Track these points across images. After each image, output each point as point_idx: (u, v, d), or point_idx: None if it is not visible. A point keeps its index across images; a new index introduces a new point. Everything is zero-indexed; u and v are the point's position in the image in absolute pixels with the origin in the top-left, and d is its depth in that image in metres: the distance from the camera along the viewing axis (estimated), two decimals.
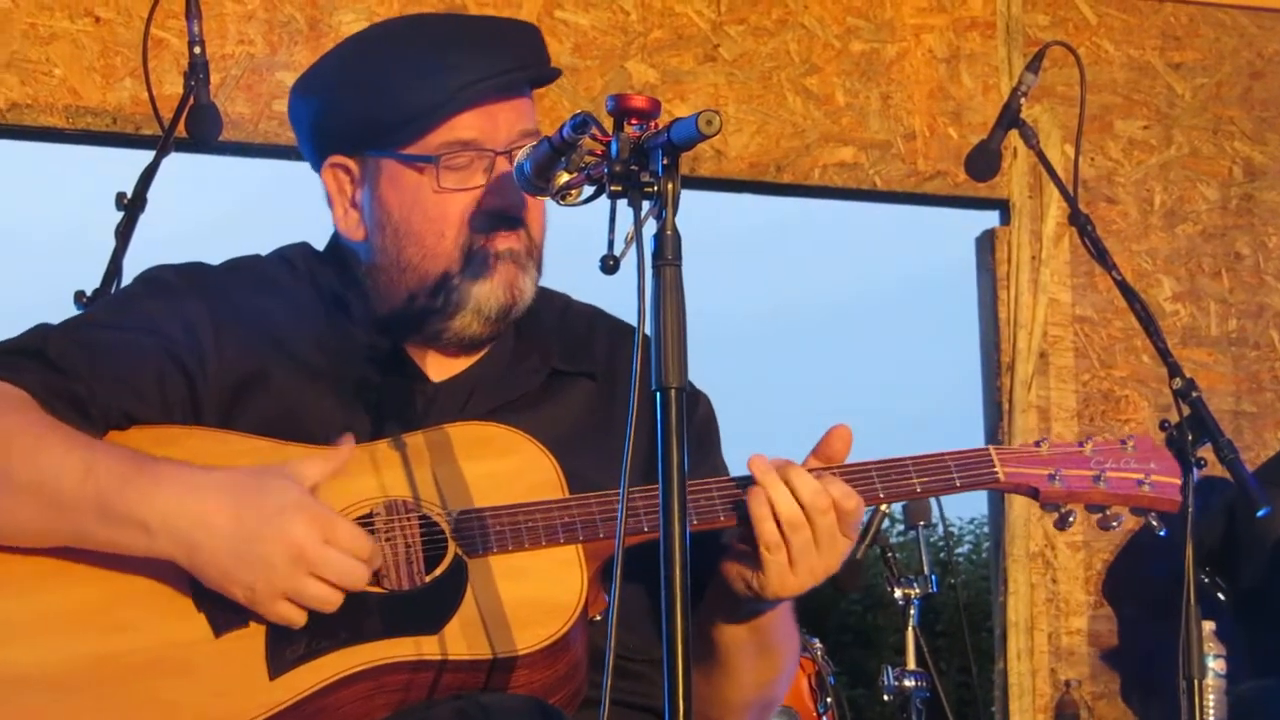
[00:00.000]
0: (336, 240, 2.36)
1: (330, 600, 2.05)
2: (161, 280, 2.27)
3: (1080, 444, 2.29)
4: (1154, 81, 5.00)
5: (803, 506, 2.13)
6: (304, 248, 2.37)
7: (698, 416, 2.42)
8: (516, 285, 2.22)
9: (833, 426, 2.22)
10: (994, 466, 2.21)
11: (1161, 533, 2.50)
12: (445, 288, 2.26)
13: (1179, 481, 2.31)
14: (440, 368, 2.31)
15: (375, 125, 2.17)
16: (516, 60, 2.13)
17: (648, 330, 1.87)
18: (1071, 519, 2.28)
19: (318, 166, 2.32)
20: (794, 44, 4.71)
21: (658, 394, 1.83)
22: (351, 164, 2.25)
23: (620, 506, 1.89)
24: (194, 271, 2.30)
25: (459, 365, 2.31)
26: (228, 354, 2.24)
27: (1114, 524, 2.27)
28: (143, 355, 2.21)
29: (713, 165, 4.52)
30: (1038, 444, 2.28)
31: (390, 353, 2.30)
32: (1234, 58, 5.06)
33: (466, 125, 2.14)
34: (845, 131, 4.75)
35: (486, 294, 2.23)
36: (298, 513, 2.05)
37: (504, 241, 2.21)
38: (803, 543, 2.13)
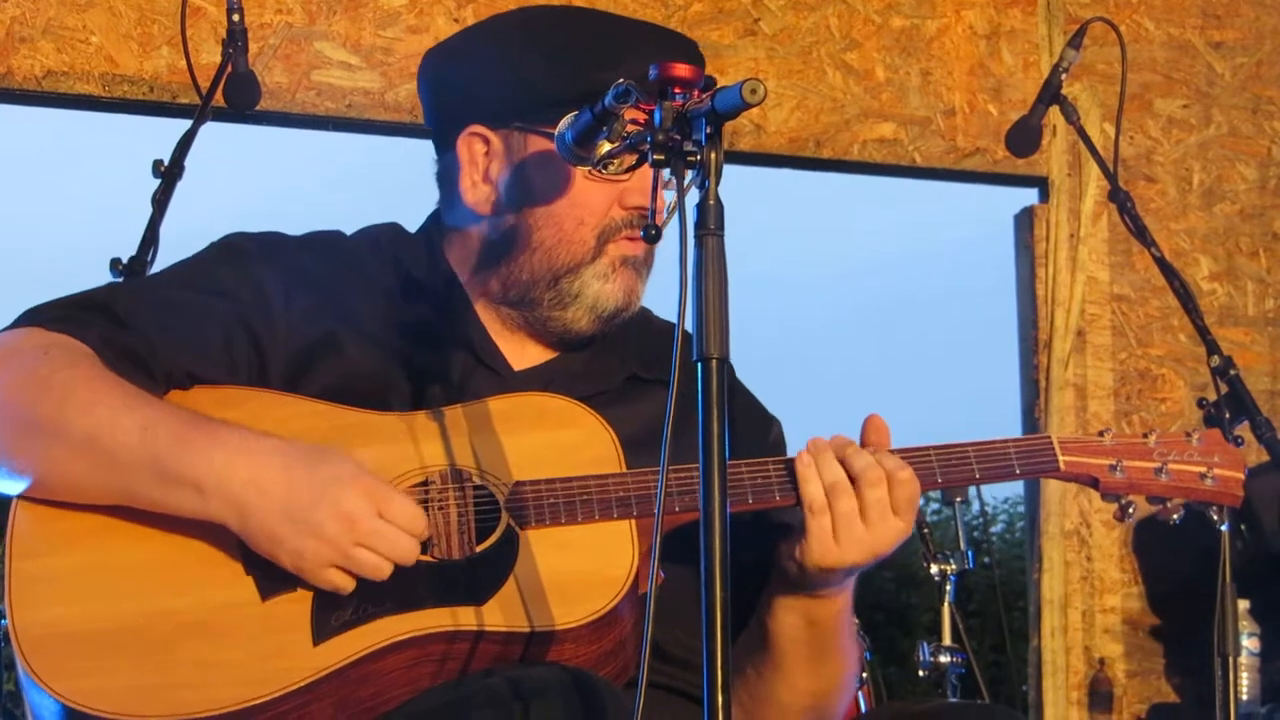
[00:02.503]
0: (438, 220, 2.37)
1: (380, 570, 2.06)
2: (237, 246, 2.28)
3: (1144, 435, 2.29)
4: (1194, 60, 5.00)
5: (853, 477, 2.13)
6: (392, 228, 2.38)
7: (769, 439, 2.43)
8: (634, 291, 2.23)
9: (867, 417, 2.23)
10: (1055, 455, 2.22)
11: (1223, 526, 2.59)
12: (569, 277, 2.26)
13: (1242, 476, 2.30)
14: (523, 356, 2.32)
15: (539, 99, 2.17)
16: (702, 80, 2.11)
17: (689, 300, 1.86)
18: (1132, 510, 2.27)
19: (452, 136, 2.30)
20: (834, 19, 4.72)
21: (699, 364, 1.82)
22: (494, 136, 2.25)
23: (660, 479, 1.90)
24: (270, 240, 2.31)
25: (542, 357, 2.33)
26: (297, 321, 2.24)
27: (1174, 517, 2.28)
28: (212, 317, 2.22)
29: (752, 140, 4.52)
30: (1101, 434, 2.29)
31: (474, 336, 2.31)
32: (1275, 37, 5.06)
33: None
34: (885, 107, 4.76)
35: (606, 294, 2.24)
36: (353, 483, 2.06)
37: (633, 246, 2.22)
38: (848, 510, 2.13)
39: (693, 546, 1.89)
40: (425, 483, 2.13)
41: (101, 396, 2.09)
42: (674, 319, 1.84)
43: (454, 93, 2.31)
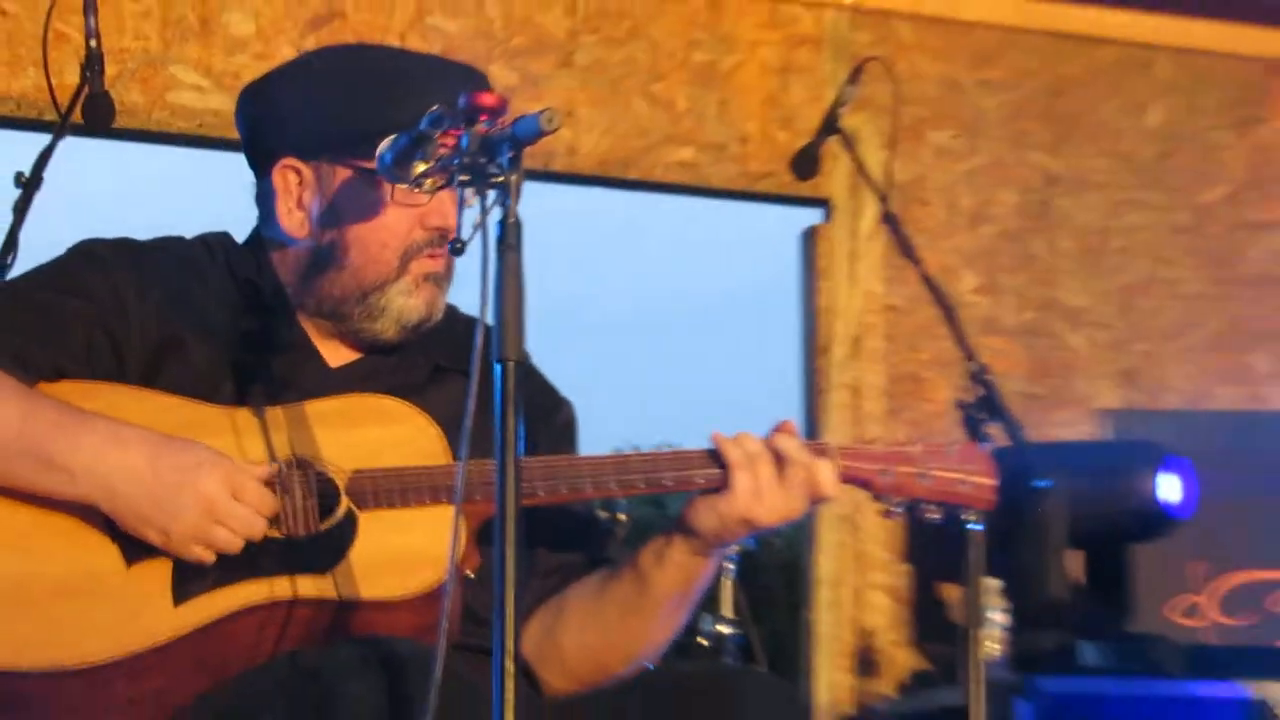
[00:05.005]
0: (260, 234, 2.43)
1: (233, 544, 2.15)
2: (93, 252, 2.33)
3: (911, 444, 2.38)
4: (963, 96, 5.16)
5: (776, 453, 2.24)
6: (225, 237, 2.44)
7: (559, 420, 2.53)
8: (435, 304, 2.33)
9: (780, 423, 2.32)
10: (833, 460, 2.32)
11: (974, 525, 2.63)
12: (376, 294, 2.34)
13: (993, 483, 2.38)
14: (338, 356, 2.40)
15: (344, 134, 2.24)
16: (505, 109, 2.12)
17: (490, 308, 1.91)
18: (898, 510, 2.38)
19: (266, 166, 2.38)
20: (641, 54, 4.82)
21: (497, 365, 1.88)
22: (305, 168, 2.32)
23: (460, 470, 1.97)
24: (123, 246, 2.36)
25: (354, 356, 2.41)
26: (150, 321, 2.30)
27: (935, 516, 2.38)
28: (75, 318, 2.27)
29: (565, 161, 4.62)
30: (872, 442, 2.38)
31: (295, 339, 2.38)
32: (1035, 77, 5.24)
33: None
34: (685, 133, 4.86)
35: (410, 308, 2.33)
36: (212, 469, 2.15)
37: (434, 263, 2.29)
38: (769, 475, 2.24)
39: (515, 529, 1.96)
40: (274, 469, 2.20)
41: None
42: (476, 314, 1.91)
43: (268, 127, 2.38)
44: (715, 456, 2.24)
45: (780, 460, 2.25)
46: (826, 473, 2.26)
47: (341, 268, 2.33)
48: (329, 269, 2.35)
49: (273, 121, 2.36)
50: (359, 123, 2.20)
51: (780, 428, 2.29)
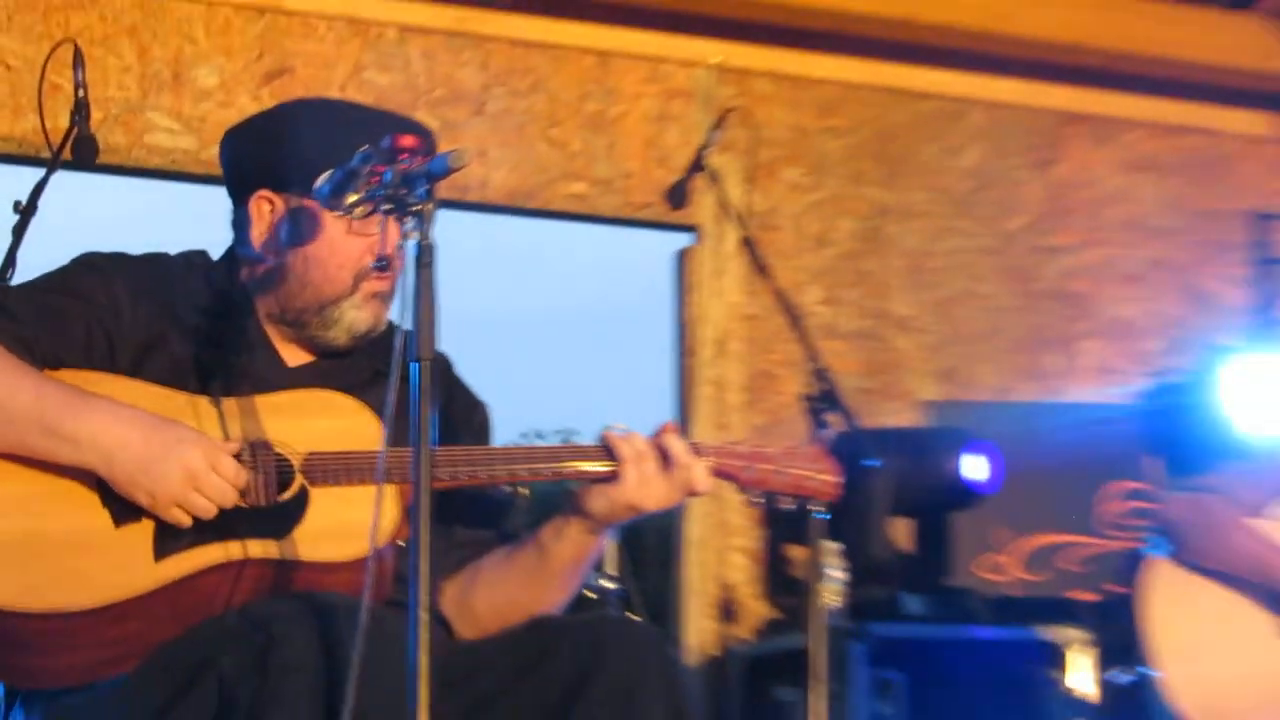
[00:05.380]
0: (234, 252, 2.42)
1: (209, 510, 2.16)
2: (93, 263, 2.34)
3: (769, 447, 2.38)
4: (810, 140, 5.33)
5: (662, 451, 2.27)
6: (203, 254, 2.45)
7: (477, 419, 2.52)
8: (380, 317, 2.34)
9: (663, 424, 2.34)
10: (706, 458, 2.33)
11: (820, 514, 2.73)
12: (331, 307, 2.36)
13: (836, 479, 2.39)
14: (296, 357, 2.42)
15: (311, 172, 2.18)
16: (423, 149, 2.09)
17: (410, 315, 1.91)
18: (759, 499, 2.39)
19: (244, 196, 2.38)
20: (542, 104, 4.99)
21: (414, 365, 1.89)
22: (277, 199, 2.34)
23: (380, 457, 2.00)
24: (119, 258, 2.37)
25: (309, 358, 2.43)
26: (139, 323, 2.31)
27: (788, 505, 2.41)
28: (76, 317, 2.28)
29: (479, 194, 4.78)
30: (738, 443, 2.39)
31: (260, 341, 2.40)
32: (870, 125, 5.42)
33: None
34: (578, 170, 4.99)
35: (360, 320, 2.36)
36: (194, 444, 2.17)
37: (381, 283, 2.30)
38: (652, 468, 2.26)
39: (437, 505, 2.00)
40: (241, 450, 2.21)
41: (3, 371, 2.18)
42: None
43: (247, 163, 2.39)
44: (609, 451, 2.25)
45: (664, 457, 2.26)
46: (702, 470, 2.27)
47: (304, 284, 2.35)
48: (292, 284, 2.35)
49: (251, 159, 2.38)
50: (319, 162, 2.18)
51: (665, 429, 2.30)
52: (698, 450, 2.28)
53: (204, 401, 2.26)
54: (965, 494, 4.72)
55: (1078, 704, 4.49)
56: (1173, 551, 3.71)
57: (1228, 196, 5.87)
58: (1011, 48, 5.42)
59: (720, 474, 2.33)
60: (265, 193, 2.36)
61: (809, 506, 2.43)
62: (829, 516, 2.99)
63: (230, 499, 2.16)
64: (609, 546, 3.93)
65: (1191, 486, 3.78)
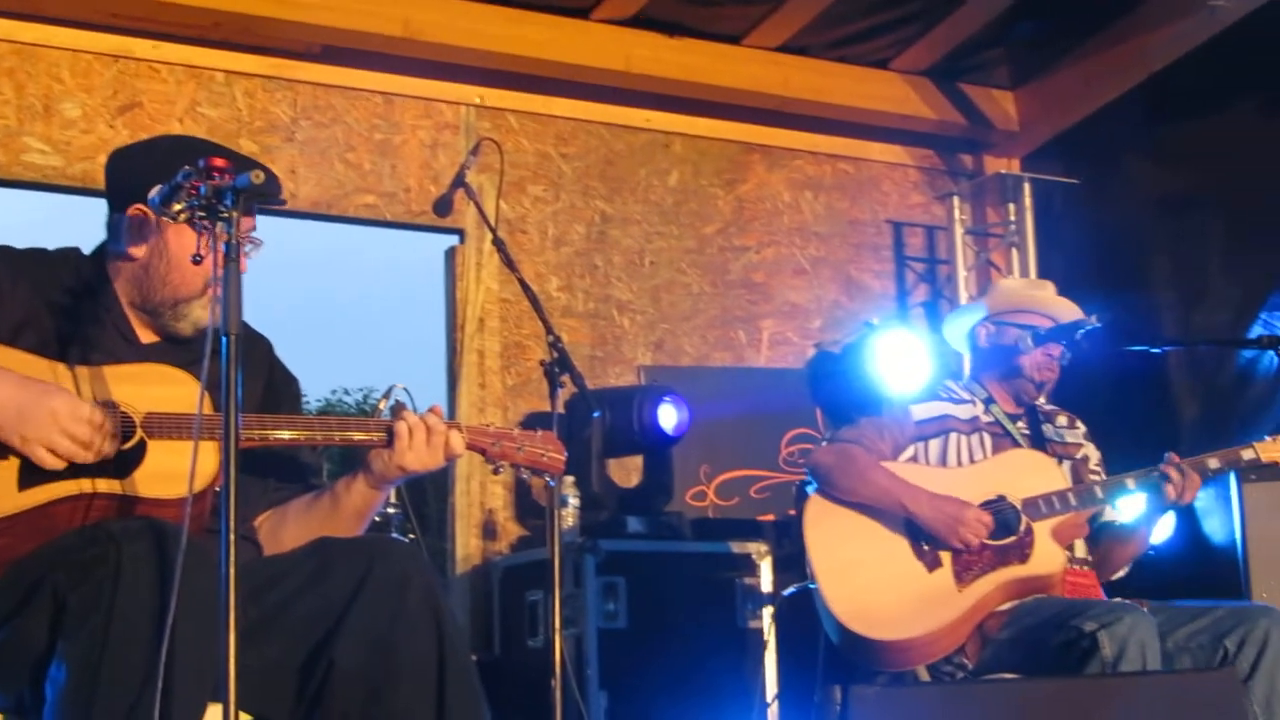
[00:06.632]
0: (104, 249, 2.55)
1: (72, 452, 2.28)
2: None
3: (513, 429, 2.58)
4: (550, 163, 5.79)
5: (427, 427, 2.48)
6: (76, 250, 2.60)
7: (290, 392, 2.69)
8: (219, 314, 2.22)
9: (432, 406, 2.54)
10: (462, 433, 2.53)
11: (551, 482, 2.88)
12: (184, 304, 2.52)
13: (563, 458, 2.61)
14: (147, 338, 2.60)
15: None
16: (232, 169, 2.19)
17: (219, 297, 2.04)
18: (500, 469, 2.61)
19: (122, 206, 2.52)
20: (340, 133, 5.47)
21: (223, 338, 2.03)
22: (149, 212, 2.48)
23: (196, 423, 2.17)
24: (3, 249, 2.52)
25: (156, 339, 2.60)
26: (18, 302, 2.46)
27: (524, 476, 2.71)
28: None
29: (290, 204, 4.52)
30: (489, 425, 2.58)
31: (119, 322, 2.55)
32: (596, 152, 5.87)
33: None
34: (370, 186, 5.42)
35: (203, 318, 2.49)
36: (60, 396, 2.31)
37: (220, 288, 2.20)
38: (421, 438, 2.48)
39: (255, 457, 2.22)
40: (94, 408, 2.34)
41: None
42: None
43: (125, 181, 2.55)
44: (388, 423, 2.46)
45: (429, 430, 2.48)
46: (457, 439, 2.49)
47: (163, 284, 2.53)
48: (154, 284, 2.53)
49: (128, 177, 2.54)
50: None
51: (432, 410, 2.50)
52: (456, 427, 2.51)
53: (62, 368, 2.40)
54: (662, 437, 5.10)
55: (760, 598, 4.92)
56: (818, 489, 3.92)
57: (873, 209, 6.38)
58: (702, 92, 5.84)
59: (472, 446, 2.55)
60: (138, 206, 2.52)
61: (546, 477, 2.64)
62: (555, 484, 3.20)
63: (87, 436, 2.27)
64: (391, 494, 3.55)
65: (840, 437, 3.97)
